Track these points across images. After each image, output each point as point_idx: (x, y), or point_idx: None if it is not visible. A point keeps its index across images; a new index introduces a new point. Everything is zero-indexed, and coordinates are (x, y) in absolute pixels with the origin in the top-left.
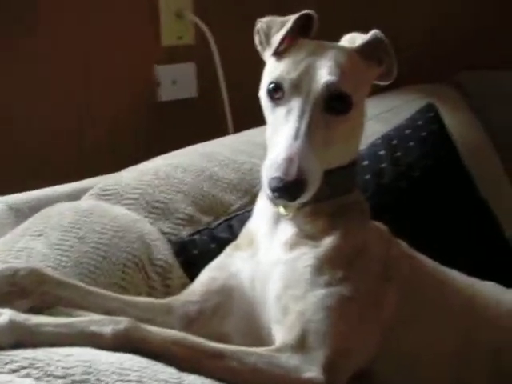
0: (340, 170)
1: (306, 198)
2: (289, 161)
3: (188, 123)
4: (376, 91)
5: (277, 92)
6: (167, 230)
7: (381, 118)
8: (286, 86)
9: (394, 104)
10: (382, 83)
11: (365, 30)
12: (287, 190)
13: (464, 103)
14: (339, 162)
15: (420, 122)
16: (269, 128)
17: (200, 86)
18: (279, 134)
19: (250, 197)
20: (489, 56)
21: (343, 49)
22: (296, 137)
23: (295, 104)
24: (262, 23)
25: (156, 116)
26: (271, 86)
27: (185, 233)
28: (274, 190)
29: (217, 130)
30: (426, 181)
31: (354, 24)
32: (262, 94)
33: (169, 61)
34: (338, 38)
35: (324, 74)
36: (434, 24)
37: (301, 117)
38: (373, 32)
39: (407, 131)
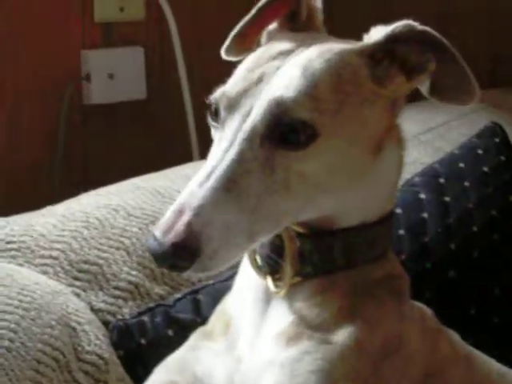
0: (363, 228)
1: (202, 270)
2: (176, 215)
3: (132, 138)
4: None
5: (214, 113)
6: (101, 306)
7: (420, 140)
8: (221, 105)
9: (441, 120)
10: (456, 104)
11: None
12: (163, 256)
13: None
14: (347, 218)
15: (480, 151)
16: None
17: (151, 82)
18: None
19: None
20: None
21: (339, 48)
22: (204, 181)
23: (226, 131)
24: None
25: (83, 127)
26: (212, 105)
27: (127, 311)
28: (151, 252)
29: (175, 149)
30: (487, 240)
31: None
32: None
33: (104, 44)
34: None
35: (277, 86)
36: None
37: (226, 150)
38: (401, 24)
39: (461, 164)
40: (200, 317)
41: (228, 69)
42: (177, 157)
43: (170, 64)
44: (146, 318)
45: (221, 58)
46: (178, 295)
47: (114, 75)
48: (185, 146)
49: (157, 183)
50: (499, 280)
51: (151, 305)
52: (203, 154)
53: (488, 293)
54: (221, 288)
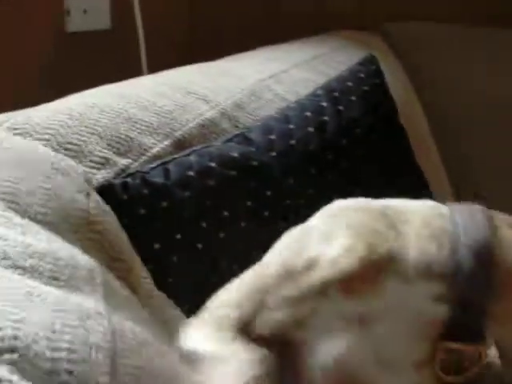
0: None
1: None
2: None
3: (99, 58)
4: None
5: None
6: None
7: (306, 65)
8: None
9: (320, 51)
10: None
11: None
12: None
13: (392, 56)
14: None
15: (362, 75)
16: None
17: (114, 15)
18: None
19: (172, 140)
20: (414, 7)
21: None
22: None
23: None
24: None
25: (64, 49)
26: None
27: (99, 176)
28: None
29: (129, 68)
30: (365, 140)
31: None
32: None
33: None
34: None
35: None
36: None
37: None
38: None
39: (349, 83)
40: (170, 181)
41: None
42: (129, 75)
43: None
44: (129, 180)
45: None
46: (152, 165)
47: (88, 10)
48: (136, 66)
49: (121, 89)
50: (372, 170)
51: (129, 171)
52: None
53: (365, 180)
54: (184, 161)
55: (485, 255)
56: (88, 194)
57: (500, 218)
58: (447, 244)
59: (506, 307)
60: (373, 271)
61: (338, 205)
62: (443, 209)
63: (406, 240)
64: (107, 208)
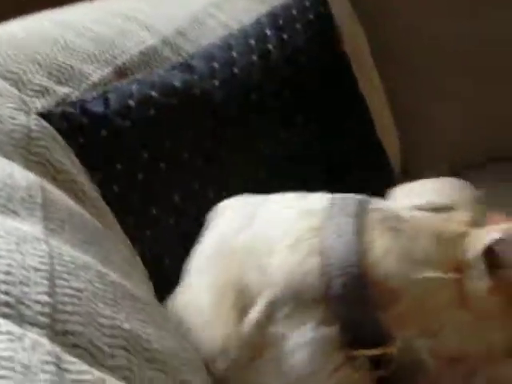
0: None
1: None
2: None
3: None
4: None
5: None
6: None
7: None
8: None
9: None
10: None
11: None
12: None
13: None
14: None
15: (306, 3)
16: None
17: None
18: None
19: (112, 68)
20: None
21: None
22: None
23: None
24: None
25: None
26: None
27: (39, 105)
28: None
29: None
30: (309, 69)
31: None
32: None
33: None
34: None
35: None
36: None
37: None
38: None
39: (293, 11)
40: (110, 110)
41: None
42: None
43: None
44: (68, 109)
45: None
46: (94, 94)
47: None
48: None
49: (58, 17)
50: (316, 102)
51: (68, 99)
52: None
53: (308, 110)
54: (125, 89)
55: (353, 272)
56: (28, 113)
57: (378, 217)
58: (316, 268)
59: (396, 313)
60: (259, 345)
61: (210, 250)
62: (316, 217)
63: (274, 281)
64: (48, 126)
